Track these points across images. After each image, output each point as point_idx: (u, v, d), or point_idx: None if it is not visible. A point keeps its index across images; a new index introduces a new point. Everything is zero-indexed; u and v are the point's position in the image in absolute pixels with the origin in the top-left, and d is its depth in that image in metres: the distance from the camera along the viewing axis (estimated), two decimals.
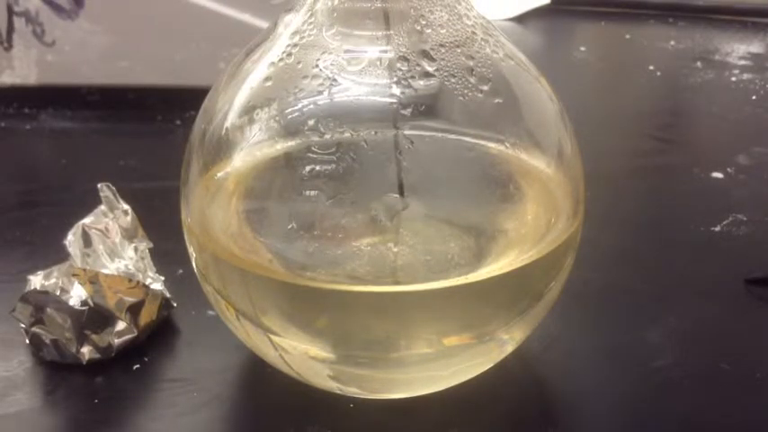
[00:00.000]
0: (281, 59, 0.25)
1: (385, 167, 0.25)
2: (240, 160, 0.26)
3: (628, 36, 0.71)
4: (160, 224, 0.30)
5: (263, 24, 0.36)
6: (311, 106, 0.24)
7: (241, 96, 0.25)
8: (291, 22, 0.25)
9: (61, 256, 0.28)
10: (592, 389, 0.27)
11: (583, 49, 0.67)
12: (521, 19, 0.73)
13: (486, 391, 0.26)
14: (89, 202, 0.30)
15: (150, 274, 0.30)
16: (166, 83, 0.50)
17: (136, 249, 0.30)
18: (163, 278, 0.30)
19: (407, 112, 0.24)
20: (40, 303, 0.27)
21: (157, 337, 0.29)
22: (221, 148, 0.25)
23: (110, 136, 0.48)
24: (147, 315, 0.29)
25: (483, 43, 0.25)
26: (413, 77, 0.24)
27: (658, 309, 0.31)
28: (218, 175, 0.26)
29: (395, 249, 0.23)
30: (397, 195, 0.25)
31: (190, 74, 0.49)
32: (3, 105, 0.51)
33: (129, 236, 0.30)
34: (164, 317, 0.30)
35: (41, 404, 0.26)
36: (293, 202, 0.25)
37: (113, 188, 0.30)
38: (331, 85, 0.24)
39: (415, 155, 0.25)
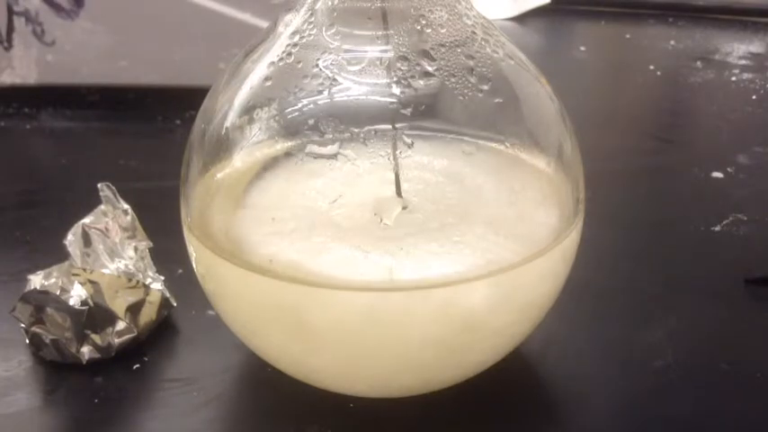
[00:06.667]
0: (281, 59, 0.25)
1: (385, 167, 0.25)
2: (240, 160, 0.26)
3: (628, 36, 0.71)
4: (160, 224, 0.30)
5: (263, 24, 0.36)
6: (311, 106, 0.24)
7: (241, 96, 0.25)
8: (291, 21, 0.25)
9: (61, 256, 0.28)
10: (592, 389, 0.27)
11: (583, 49, 0.67)
12: (521, 19, 0.73)
13: (486, 391, 0.26)
14: (89, 202, 0.30)
15: (150, 273, 0.30)
16: (166, 83, 0.50)
17: (136, 249, 0.30)
18: (163, 278, 0.30)
19: (407, 111, 0.24)
20: (40, 303, 0.27)
21: (157, 336, 0.29)
22: (221, 147, 0.25)
23: (110, 136, 0.49)
24: (147, 315, 0.29)
25: (483, 43, 0.25)
26: (413, 77, 0.24)
27: (658, 309, 0.31)
28: (218, 174, 0.26)
29: (395, 249, 0.23)
30: (397, 195, 0.25)
31: (190, 74, 0.49)
32: (3, 105, 0.51)
33: (129, 236, 0.30)
34: (164, 317, 0.30)
35: (41, 404, 0.26)
36: (293, 203, 0.25)
37: (113, 188, 0.30)
38: (331, 84, 0.24)
39: (415, 154, 0.25)
